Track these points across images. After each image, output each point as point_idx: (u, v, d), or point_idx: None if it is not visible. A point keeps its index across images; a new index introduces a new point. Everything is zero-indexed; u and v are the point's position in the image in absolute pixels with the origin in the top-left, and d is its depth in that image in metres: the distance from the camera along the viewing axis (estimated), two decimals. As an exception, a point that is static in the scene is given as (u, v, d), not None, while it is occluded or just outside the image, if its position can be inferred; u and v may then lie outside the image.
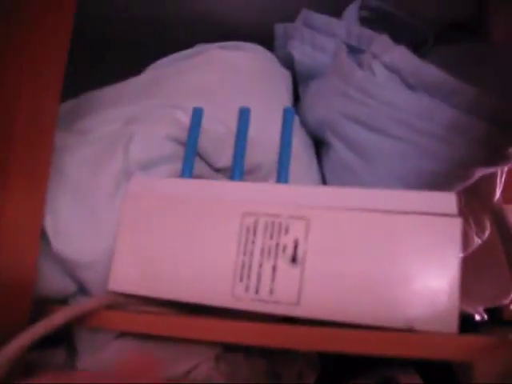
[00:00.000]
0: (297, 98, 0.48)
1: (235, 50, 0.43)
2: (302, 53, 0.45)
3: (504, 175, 0.53)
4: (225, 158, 0.37)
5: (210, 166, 0.39)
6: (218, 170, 0.38)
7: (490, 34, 0.48)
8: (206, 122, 0.37)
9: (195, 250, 0.32)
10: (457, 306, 0.27)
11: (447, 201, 0.29)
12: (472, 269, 0.52)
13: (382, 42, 0.38)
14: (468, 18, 0.51)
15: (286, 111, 0.34)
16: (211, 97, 0.39)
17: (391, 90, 0.37)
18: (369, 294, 0.29)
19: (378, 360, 0.50)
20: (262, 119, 0.39)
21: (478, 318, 0.53)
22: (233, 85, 0.41)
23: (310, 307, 0.29)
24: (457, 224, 0.29)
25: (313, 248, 0.30)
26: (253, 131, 0.38)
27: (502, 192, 0.58)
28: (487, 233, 0.52)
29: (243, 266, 0.31)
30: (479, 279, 0.51)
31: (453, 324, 0.27)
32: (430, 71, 0.36)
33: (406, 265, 0.28)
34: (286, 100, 0.43)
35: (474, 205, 0.51)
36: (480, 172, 0.40)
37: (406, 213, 0.29)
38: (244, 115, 0.34)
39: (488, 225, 0.52)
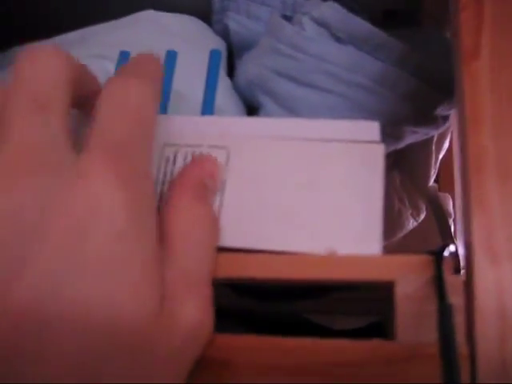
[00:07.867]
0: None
1: (168, 13, 0.43)
2: (237, 23, 0.45)
3: (438, 162, 0.54)
4: None
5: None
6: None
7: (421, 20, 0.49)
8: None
9: None
10: (380, 227, 0.27)
11: (370, 128, 0.29)
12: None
13: (311, 2, 0.38)
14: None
15: (212, 52, 0.33)
16: (138, 50, 0.38)
17: (320, 43, 0.37)
18: (290, 221, 0.27)
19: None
20: (191, 78, 0.38)
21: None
22: (162, 42, 0.40)
23: (228, 236, 0.28)
24: (379, 150, 0.28)
25: (233, 177, 0.29)
26: (180, 87, 0.37)
27: (437, 180, 0.58)
28: (422, 215, 0.52)
29: (161, 197, 0.29)
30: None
31: (376, 246, 0.26)
32: (357, 24, 0.36)
33: (328, 190, 0.27)
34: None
35: (410, 187, 0.51)
36: (410, 135, 0.40)
37: (329, 140, 0.28)
38: (170, 58, 0.33)
39: (423, 208, 0.52)
